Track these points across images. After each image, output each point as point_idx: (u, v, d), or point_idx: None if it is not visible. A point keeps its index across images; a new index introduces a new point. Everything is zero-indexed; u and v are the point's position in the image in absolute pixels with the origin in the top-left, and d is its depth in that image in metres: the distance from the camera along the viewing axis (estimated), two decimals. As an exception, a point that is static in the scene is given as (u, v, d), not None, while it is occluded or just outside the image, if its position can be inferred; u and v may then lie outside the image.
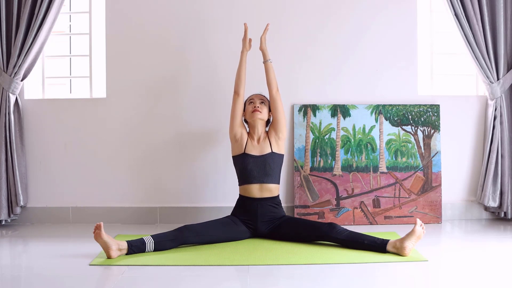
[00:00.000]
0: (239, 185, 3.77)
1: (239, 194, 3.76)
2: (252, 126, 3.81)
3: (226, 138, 4.10)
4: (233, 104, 3.79)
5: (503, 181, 4.20)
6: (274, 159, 3.73)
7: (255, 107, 3.78)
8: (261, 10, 4.24)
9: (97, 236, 3.20)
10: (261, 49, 3.82)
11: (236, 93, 3.77)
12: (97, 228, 3.20)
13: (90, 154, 4.29)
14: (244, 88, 3.79)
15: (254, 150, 3.75)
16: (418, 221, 3.29)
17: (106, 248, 3.20)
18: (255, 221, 3.67)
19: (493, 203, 4.19)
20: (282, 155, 3.79)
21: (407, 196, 4.23)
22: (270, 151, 3.74)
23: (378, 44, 4.29)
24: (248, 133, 3.82)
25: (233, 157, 3.81)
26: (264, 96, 3.89)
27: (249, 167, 3.70)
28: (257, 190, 3.69)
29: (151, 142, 4.29)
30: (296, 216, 4.17)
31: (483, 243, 3.66)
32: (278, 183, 3.78)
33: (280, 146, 3.79)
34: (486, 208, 4.31)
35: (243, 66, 3.81)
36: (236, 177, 3.80)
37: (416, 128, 4.26)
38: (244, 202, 3.71)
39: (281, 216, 3.72)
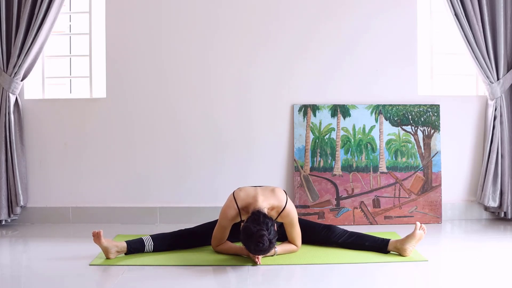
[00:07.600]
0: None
1: None
2: None
3: (227, 138, 4.10)
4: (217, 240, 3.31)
5: (503, 181, 4.20)
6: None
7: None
8: (263, 8, 4.25)
9: (96, 241, 3.20)
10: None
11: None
12: (95, 236, 3.18)
13: (90, 154, 4.29)
14: None
15: None
16: (418, 224, 3.28)
17: (105, 252, 3.22)
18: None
19: (493, 203, 4.19)
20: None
21: (407, 196, 4.22)
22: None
23: (378, 44, 4.29)
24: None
25: None
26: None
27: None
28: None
29: (151, 142, 4.29)
30: (296, 216, 4.15)
31: (483, 243, 3.66)
32: None
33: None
34: (486, 208, 4.30)
35: (229, 249, 3.30)
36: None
37: (416, 128, 4.26)
38: None
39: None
